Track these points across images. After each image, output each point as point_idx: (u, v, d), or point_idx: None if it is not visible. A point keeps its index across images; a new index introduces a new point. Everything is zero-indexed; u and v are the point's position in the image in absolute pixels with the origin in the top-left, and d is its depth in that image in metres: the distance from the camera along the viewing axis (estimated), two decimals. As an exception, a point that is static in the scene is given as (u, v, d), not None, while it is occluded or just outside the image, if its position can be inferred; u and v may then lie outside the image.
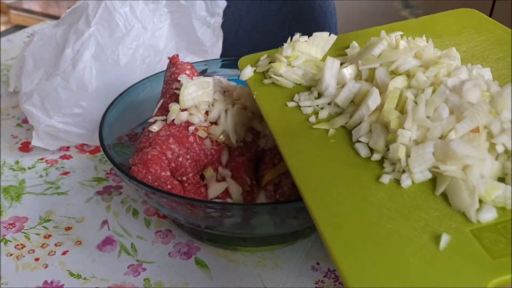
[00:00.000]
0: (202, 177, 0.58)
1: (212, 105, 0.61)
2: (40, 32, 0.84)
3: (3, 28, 3.07)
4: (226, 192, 0.57)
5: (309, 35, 0.60)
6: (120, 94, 0.69)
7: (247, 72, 0.59)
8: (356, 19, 1.87)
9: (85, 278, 0.57)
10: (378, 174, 0.41)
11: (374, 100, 0.46)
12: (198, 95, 0.60)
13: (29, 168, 0.75)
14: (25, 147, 0.80)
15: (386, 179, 0.41)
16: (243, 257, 0.60)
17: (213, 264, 0.59)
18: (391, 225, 0.37)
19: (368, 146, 0.44)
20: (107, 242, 0.62)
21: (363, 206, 0.39)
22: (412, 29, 0.60)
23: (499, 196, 0.37)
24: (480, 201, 0.37)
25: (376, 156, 0.43)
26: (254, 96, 0.55)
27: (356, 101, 0.49)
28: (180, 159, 0.56)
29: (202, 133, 0.58)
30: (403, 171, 0.41)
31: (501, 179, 0.39)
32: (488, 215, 0.36)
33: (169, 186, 0.55)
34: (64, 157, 0.78)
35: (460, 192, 0.37)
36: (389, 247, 0.35)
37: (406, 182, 0.40)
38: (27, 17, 3.09)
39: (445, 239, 0.35)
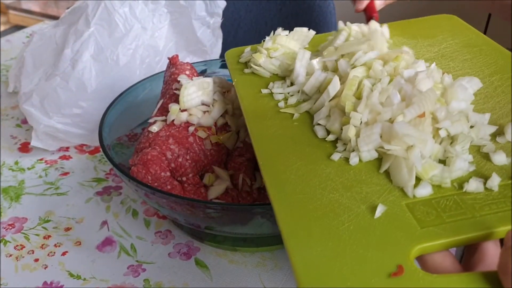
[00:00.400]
0: (202, 177, 0.58)
1: (212, 105, 0.61)
2: (39, 32, 0.84)
3: (2, 28, 3.07)
4: (226, 193, 0.57)
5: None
6: (120, 95, 0.69)
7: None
8: (355, 19, 1.87)
9: (84, 279, 0.57)
10: (331, 152, 0.45)
11: (334, 87, 0.50)
12: (198, 96, 0.60)
13: (29, 169, 0.75)
14: (25, 148, 0.80)
15: (336, 156, 0.44)
16: (243, 258, 0.60)
17: (213, 265, 0.59)
18: (333, 195, 0.40)
19: (326, 129, 0.48)
20: (107, 242, 0.62)
21: (310, 177, 0.42)
22: (391, 31, 0.63)
23: (436, 175, 0.40)
24: (419, 179, 0.40)
25: (331, 137, 0.47)
26: (234, 83, 0.58)
27: (322, 90, 0.52)
28: (180, 159, 0.56)
29: (202, 134, 0.58)
30: (353, 150, 0.44)
31: (443, 162, 0.42)
32: (424, 191, 0.40)
33: (169, 187, 0.55)
34: (63, 157, 0.78)
35: (401, 169, 0.41)
36: (328, 213, 0.39)
37: (354, 160, 0.43)
38: (26, 17, 3.09)
39: (380, 209, 0.38)
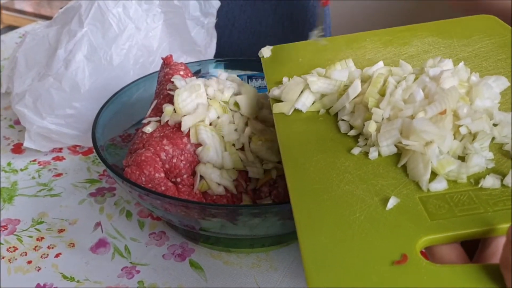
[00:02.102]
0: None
1: (208, 105, 0.60)
2: (32, 32, 0.83)
3: (-5, 28, 3.05)
4: (221, 194, 0.57)
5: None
6: (113, 95, 0.69)
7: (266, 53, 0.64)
8: (350, 19, 1.87)
9: (78, 281, 0.56)
10: (352, 147, 0.46)
11: (354, 89, 0.50)
12: (192, 99, 0.59)
13: (22, 170, 0.75)
14: (17, 149, 0.79)
15: (356, 150, 0.45)
16: (238, 259, 0.60)
17: (208, 266, 0.59)
18: (349, 186, 0.41)
19: (350, 124, 0.49)
20: (101, 244, 0.62)
21: (329, 170, 0.43)
22: (426, 31, 0.64)
23: (453, 170, 0.41)
24: (435, 174, 0.41)
25: (352, 132, 0.48)
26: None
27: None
28: (174, 160, 0.56)
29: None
30: (373, 145, 0.45)
31: (462, 158, 0.42)
32: (439, 185, 0.40)
33: (163, 188, 0.55)
34: (56, 158, 0.77)
35: (417, 163, 0.41)
36: (341, 203, 0.40)
37: (373, 154, 0.44)
38: (19, 18, 3.07)
39: (392, 201, 0.39)
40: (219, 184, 0.56)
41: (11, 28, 2.68)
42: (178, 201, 0.52)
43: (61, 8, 0.84)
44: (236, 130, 0.59)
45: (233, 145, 0.58)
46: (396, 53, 0.60)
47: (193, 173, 0.57)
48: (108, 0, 0.76)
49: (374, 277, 0.33)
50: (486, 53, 0.57)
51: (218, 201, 0.56)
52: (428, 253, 0.37)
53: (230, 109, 0.61)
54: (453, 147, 0.42)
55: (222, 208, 0.53)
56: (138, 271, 0.58)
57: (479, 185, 0.39)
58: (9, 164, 0.76)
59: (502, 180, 0.39)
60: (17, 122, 0.85)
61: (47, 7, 3.12)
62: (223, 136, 0.58)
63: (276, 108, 0.54)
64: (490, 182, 0.39)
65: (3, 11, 3.12)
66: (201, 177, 0.56)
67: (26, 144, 0.76)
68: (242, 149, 0.58)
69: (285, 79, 0.57)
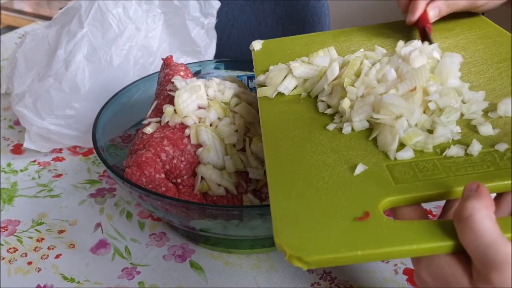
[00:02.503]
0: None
1: (208, 106, 0.60)
2: (32, 33, 0.83)
3: (-6, 28, 3.05)
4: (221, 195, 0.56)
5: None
6: (113, 96, 0.69)
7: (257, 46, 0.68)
8: (349, 19, 1.87)
9: (78, 282, 0.56)
10: (328, 124, 0.49)
11: (332, 72, 0.53)
12: (192, 101, 0.59)
13: (21, 171, 0.75)
14: (17, 149, 0.79)
15: (331, 126, 0.48)
16: (238, 260, 0.60)
17: (208, 267, 0.59)
18: (321, 156, 0.44)
19: (328, 104, 0.52)
20: (101, 245, 0.62)
21: (304, 143, 0.47)
22: (412, 26, 0.65)
23: (420, 141, 0.43)
24: (404, 145, 0.44)
25: (329, 110, 0.51)
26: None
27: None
28: (175, 161, 0.56)
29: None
30: (347, 121, 0.48)
31: (431, 132, 0.45)
32: (405, 154, 0.43)
33: (163, 189, 0.55)
34: (56, 159, 0.77)
35: (386, 135, 0.44)
36: (312, 170, 0.43)
37: (346, 129, 0.47)
38: (18, 18, 3.07)
39: (360, 167, 0.42)
40: (219, 185, 0.56)
41: (10, 28, 2.68)
42: (179, 202, 0.52)
43: (60, 9, 0.84)
44: (236, 131, 0.59)
45: (234, 146, 0.58)
46: (379, 45, 0.62)
47: (194, 174, 0.57)
48: (108, 0, 0.76)
49: (335, 230, 0.36)
50: (465, 44, 0.60)
51: (218, 202, 0.56)
52: (392, 214, 0.39)
53: (230, 110, 0.61)
54: (422, 120, 0.45)
55: (222, 209, 0.53)
56: (138, 272, 0.58)
57: (444, 154, 0.42)
58: (9, 164, 0.76)
59: (466, 150, 0.42)
60: (17, 122, 0.85)
61: (46, 7, 3.12)
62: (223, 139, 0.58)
63: (261, 92, 0.56)
64: (454, 151, 0.42)
65: (2, 11, 3.11)
66: (202, 178, 0.56)
67: (26, 144, 0.75)
68: (242, 150, 0.58)
69: (271, 67, 0.60)
